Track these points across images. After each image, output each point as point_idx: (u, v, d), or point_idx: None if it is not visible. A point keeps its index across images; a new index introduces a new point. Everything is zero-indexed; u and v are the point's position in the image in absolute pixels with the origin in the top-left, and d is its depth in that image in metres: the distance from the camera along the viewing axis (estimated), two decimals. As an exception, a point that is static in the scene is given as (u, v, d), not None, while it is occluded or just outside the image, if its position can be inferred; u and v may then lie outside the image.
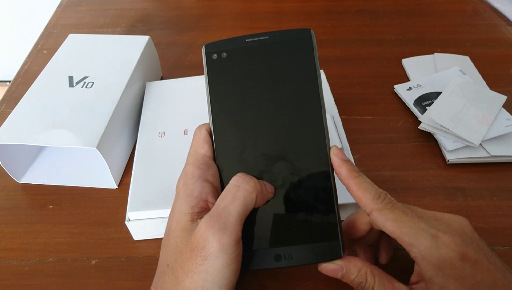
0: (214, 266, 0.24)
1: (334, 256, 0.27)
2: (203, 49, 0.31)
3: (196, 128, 0.31)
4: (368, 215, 0.27)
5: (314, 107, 0.29)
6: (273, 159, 0.29)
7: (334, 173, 0.29)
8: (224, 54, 0.30)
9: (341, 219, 0.29)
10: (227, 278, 0.24)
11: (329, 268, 0.27)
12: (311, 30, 0.30)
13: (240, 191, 0.26)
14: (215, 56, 0.30)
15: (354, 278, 0.27)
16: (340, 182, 0.28)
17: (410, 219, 0.26)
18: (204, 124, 0.31)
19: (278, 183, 0.29)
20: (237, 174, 0.28)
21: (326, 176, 0.28)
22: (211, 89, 0.30)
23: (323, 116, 0.29)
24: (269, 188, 0.28)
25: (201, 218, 0.26)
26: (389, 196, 0.27)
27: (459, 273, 0.25)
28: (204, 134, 0.30)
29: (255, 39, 0.30)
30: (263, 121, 0.29)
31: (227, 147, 0.29)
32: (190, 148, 0.30)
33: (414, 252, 0.26)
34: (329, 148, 0.29)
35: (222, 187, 0.29)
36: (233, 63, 0.30)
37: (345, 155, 0.28)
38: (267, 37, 0.30)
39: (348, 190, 0.28)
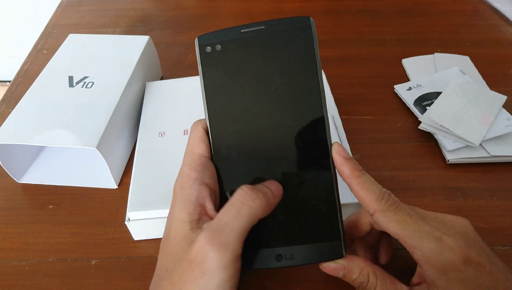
0: (213, 282, 0.24)
1: (336, 255, 0.27)
2: (196, 42, 0.29)
3: (192, 125, 0.29)
4: (371, 215, 0.27)
5: (315, 101, 0.28)
6: (272, 158, 0.28)
7: (336, 171, 0.28)
8: (219, 46, 0.29)
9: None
10: None
11: (330, 267, 0.27)
12: (311, 18, 0.28)
13: (245, 208, 0.25)
14: (209, 48, 0.29)
15: (356, 278, 0.27)
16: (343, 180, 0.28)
17: (414, 221, 0.26)
18: (200, 120, 0.29)
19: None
20: (242, 188, 0.26)
21: (328, 175, 0.28)
22: (205, 83, 0.29)
23: (324, 111, 0.28)
24: (276, 192, 0.27)
25: (200, 227, 0.25)
26: (392, 196, 0.27)
27: (462, 276, 0.25)
28: (200, 132, 0.29)
29: (250, 29, 0.28)
30: (261, 117, 0.28)
31: (224, 145, 0.29)
32: (187, 148, 0.29)
33: (417, 255, 0.26)
34: (331, 145, 0.28)
35: (220, 188, 0.28)
36: (228, 55, 0.28)
37: (347, 152, 0.28)
38: (264, 26, 0.28)
39: (351, 189, 0.27)
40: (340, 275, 0.27)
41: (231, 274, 0.24)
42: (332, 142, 0.28)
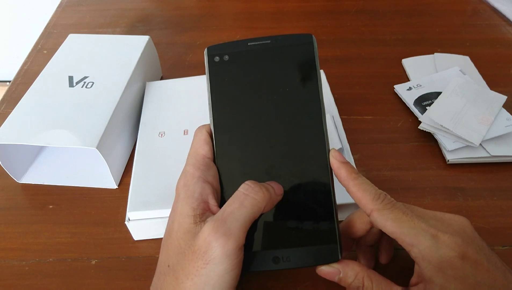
0: (215, 271, 0.24)
1: (331, 259, 0.27)
2: (205, 52, 0.31)
3: (197, 129, 0.31)
4: (368, 216, 0.27)
5: (315, 111, 0.29)
6: (273, 162, 0.29)
7: (334, 176, 0.29)
8: (226, 57, 0.30)
9: (340, 220, 0.29)
10: (227, 283, 0.24)
11: (326, 271, 0.27)
12: (313, 36, 0.30)
13: (248, 199, 0.26)
14: (217, 58, 0.30)
15: (351, 282, 0.27)
16: (340, 184, 0.28)
17: (410, 219, 0.26)
18: (205, 125, 0.31)
19: None
20: (246, 182, 0.27)
21: (325, 180, 0.28)
22: (212, 91, 0.30)
23: (323, 120, 0.29)
24: (278, 190, 0.28)
25: (204, 220, 0.26)
26: (388, 196, 0.27)
27: (459, 273, 0.25)
28: (204, 135, 0.30)
29: (257, 43, 0.30)
30: (263, 124, 0.29)
31: (227, 149, 0.30)
32: (190, 149, 0.30)
33: (414, 252, 0.26)
34: (329, 151, 0.29)
35: (222, 189, 0.29)
36: (234, 66, 0.30)
37: (344, 157, 0.29)
38: (269, 41, 0.30)
39: (348, 191, 0.28)
40: (336, 279, 0.27)
41: (234, 264, 0.24)
42: (330, 148, 0.29)
